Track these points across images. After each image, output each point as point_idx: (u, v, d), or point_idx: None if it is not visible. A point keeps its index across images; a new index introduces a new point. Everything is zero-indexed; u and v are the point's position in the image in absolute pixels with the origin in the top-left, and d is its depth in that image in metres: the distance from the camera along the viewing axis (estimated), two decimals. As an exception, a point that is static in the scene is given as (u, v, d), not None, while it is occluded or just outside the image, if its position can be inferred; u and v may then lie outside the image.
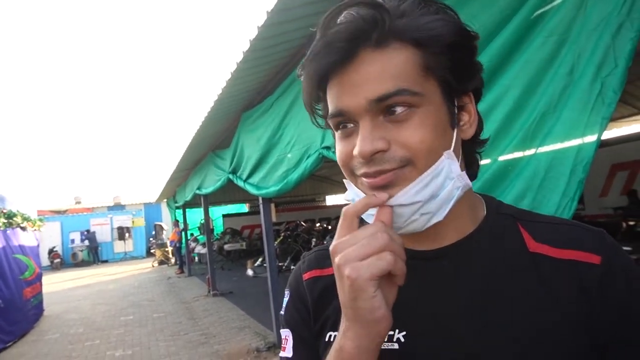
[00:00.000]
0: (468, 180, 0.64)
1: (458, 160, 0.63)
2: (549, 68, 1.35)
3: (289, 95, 3.72)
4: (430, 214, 0.62)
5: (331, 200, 20.17)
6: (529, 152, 1.38)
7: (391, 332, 0.66)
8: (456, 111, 0.64)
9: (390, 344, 0.66)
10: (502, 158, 1.49)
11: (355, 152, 0.60)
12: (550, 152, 1.31)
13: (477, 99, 0.69)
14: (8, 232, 7.41)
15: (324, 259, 0.79)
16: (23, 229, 8.28)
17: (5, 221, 7.24)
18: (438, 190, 0.60)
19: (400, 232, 0.65)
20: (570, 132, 1.24)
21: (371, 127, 0.59)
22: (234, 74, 3.90)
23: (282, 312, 0.83)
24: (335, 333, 0.70)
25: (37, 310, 8.83)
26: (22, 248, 8.09)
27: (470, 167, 0.72)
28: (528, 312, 0.61)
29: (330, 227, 14.53)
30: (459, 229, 0.68)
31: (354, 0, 0.59)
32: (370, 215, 0.64)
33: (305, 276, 0.80)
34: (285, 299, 0.83)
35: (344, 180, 0.70)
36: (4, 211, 7.32)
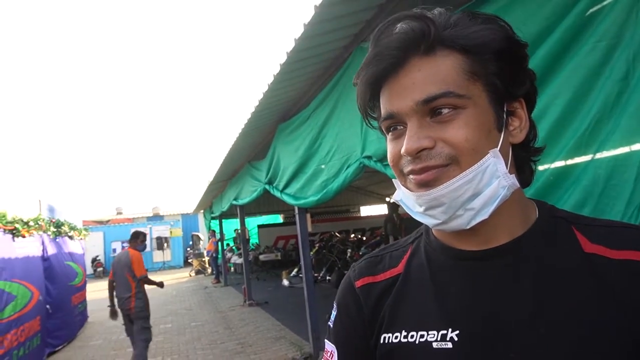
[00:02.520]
0: (515, 181, 0.65)
1: (506, 162, 0.65)
2: (600, 74, 1.32)
3: (327, 107, 3.75)
4: (474, 211, 0.63)
5: (365, 211, 20.06)
6: (585, 159, 1.34)
7: (444, 331, 0.66)
8: (505, 116, 0.66)
9: (443, 343, 0.65)
10: (554, 165, 1.45)
11: (402, 150, 0.64)
12: (610, 158, 1.27)
13: (531, 106, 0.71)
14: (58, 240, 7.73)
15: (375, 266, 0.81)
16: (70, 237, 8.62)
17: (55, 230, 7.56)
18: (483, 187, 0.63)
19: (445, 228, 0.67)
20: (632, 137, 1.20)
21: (418, 127, 0.63)
22: (270, 86, 3.98)
23: (330, 324, 0.84)
24: (388, 335, 0.71)
25: (82, 316, 9.16)
26: (71, 255, 8.43)
27: (522, 172, 0.72)
28: (582, 311, 0.60)
29: (364, 238, 14.43)
30: (509, 230, 0.68)
31: (404, 13, 0.64)
32: (409, 206, 0.69)
33: (358, 284, 0.80)
34: (334, 313, 0.84)
35: (393, 180, 0.73)
36: (53, 220, 7.65)
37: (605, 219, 0.72)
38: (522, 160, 0.72)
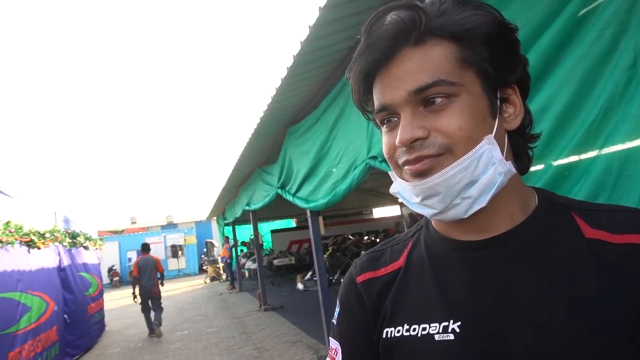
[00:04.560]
0: (512, 167, 0.65)
1: (502, 149, 0.64)
2: (607, 62, 1.30)
3: (336, 109, 3.76)
4: (471, 199, 0.63)
5: (378, 213, 19.99)
6: (594, 150, 1.31)
7: (445, 323, 0.65)
8: (499, 102, 0.66)
9: (445, 334, 0.65)
10: (562, 159, 1.43)
11: (397, 141, 0.63)
12: (622, 149, 1.24)
13: (524, 93, 0.71)
14: (73, 251, 7.83)
15: (376, 260, 0.81)
16: (86, 248, 8.73)
17: (70, 241, 7.66)
18: (479, 174, 0.62)
19: (443, 217, 0.67)
20: None
21: (411, 117, 0.63)
22: (278, 90, 3.99)
23: (333, 321, 0.84)
24: (391, 329, 0.71)
25: (100, 325, 9.25)
26: (85, 266, 8.53)
27: (520, 160, 0.72)
28: (584, 298, 0.59)
29: (378, 240, 14.38)
30: (508, 218, 0.67)
31: (394, 4, 0.64)
32: (406, 197, 0.69)
33: (359, 279, 0.80)
34: (337, 310, 0.84)
35: (390, 172, 0.72)
36: (69, 231, 7.75)
37: (606, 204, 0.71)
38: (520, 147, 0.71)
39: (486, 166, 0.62)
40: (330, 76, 3.98)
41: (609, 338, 0.56)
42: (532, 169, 0.76)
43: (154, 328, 8.24)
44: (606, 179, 1.27)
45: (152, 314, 8.32)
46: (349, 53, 3.47)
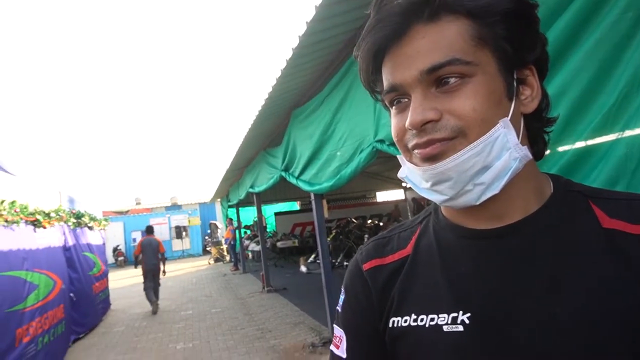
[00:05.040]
0: (527, 152, 0.61)
1: (517, 133, 0.60)
2: (627, 46, 1.25)
3: (340, 91, 3.71)
4: (484, 185, 0.60)
5: (382, 196, 20.00)
6: (613, 134, 1.28)
7: (455, 314, 0.63)
8: (515, 83, 0.62)
9: (454, 326, 0.62)
10: (579, 143, 1.39)
11: (407, 123, 0.60)
12: None
13: (542, 74, 0.67)
14: (77, 231, 7.89)
15: (382, 247, 0.78)
16: (90, 228, 8.80)
17: (75, 221, 7.70)
18: (493, 160, 0.59)
19: (454, 204, 0.64)
20: None
21: (422, 98, 0.59)
22: (283, 72, 3.94)
23: (338, 309, 0.82)
24: (397, 318, 0.69)
25: (105, 304, 9.38)
26: (89, 246, 8.62)
27: (535, 144, 0.68)
28: (603, 290, 0.56)
29: (381, 224, 14.42)
30: (522, 206, 0.64)
31: None
32: (415, 182, 0.66)
33: (366, 266, 0.77)
34: (342, 297, 0.81)
35: (398, 156, 0.69)
36: (74, 212, 7.79)
37: (625, 192, 0.67)
38: (535, 131, 0.68)
39: (501, 151, 0.59)
40: (336, 58, 3.93)
41: (624, 331, 0.54)
42: (548, 152, 0.72)
43: (153, 302, 8.96)
44: (627, 164, 1.23)
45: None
46: (355, 34, 3.40)
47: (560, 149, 1.45)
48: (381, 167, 14.60)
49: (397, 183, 17.81)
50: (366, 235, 11.63)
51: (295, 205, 20.24)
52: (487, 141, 0.58)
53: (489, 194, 0.60)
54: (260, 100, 4.92)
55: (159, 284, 9.25)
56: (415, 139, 0.61)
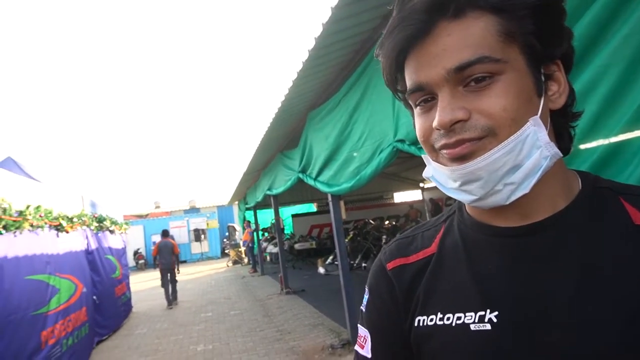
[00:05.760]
0: (557, 150, 0.60)
1: (546, 130, 0.59)
2: None
3: (356, 92, 3.70)
4: (514, 185, 0.59)
5: (399, 197, 19.87)
6: None
7: (482, 312, 0.62)
8: (543, 79, 0.61)
9: (481, 324, 0.61)
10: (612, 138, 1.36)
11: (435, 123, 0.59)
12: None
13: (568, 68, 0.65)
14: (99, 234, 8.03)
15: (406, 247, 0.78)
16: (111, 232, 8.95)
17: (97, 225, 7.84)
18: (523, 159, 0.58)
19: (482, 204, 0.62)
20: None
21: (450, 97, 0.58)
22: (300, 74, 3.95)
23: (362, 309, 0.81)
24: (423, 317, 0.68)
25: (127, 307, 9.51)
26: (110, 250, 8.75)
27: (562, 140, 0.67)
28: (633, 291, 0.54)
29: (399, 225, 14.33)
30: (550, 204, 0.62)
31: None
32: (441, 182, 0.65)
33: (390, 265, 0.77)
34: (366, 297, 0.81)
35: (423, 156, 0.68)
36: (96, 215, 7.93)
37: None
38: (561, 126, 0.67)
39: (531, 149, 0.57)
40: (353, 58, 3.92)
41: None
42: (582, 147, 0.70)
43: (170, 300, 10.13)
44: None
45: (170, 287, 10.28)
46: (371, 35, 3.40)
47: (590, 145, 1.42)
48: (399, 167, 14.51)
49: (414, 184, 17.67)
50: (384, 236, 11.58)
51: (312, 207, 20.23)
52: (518, 140, 0.57)
53: (519, 194, 0.59)
54: (276, 103, 4.94)
55: (176, 281, 10.31)
56: (443, 139, 0.60)
